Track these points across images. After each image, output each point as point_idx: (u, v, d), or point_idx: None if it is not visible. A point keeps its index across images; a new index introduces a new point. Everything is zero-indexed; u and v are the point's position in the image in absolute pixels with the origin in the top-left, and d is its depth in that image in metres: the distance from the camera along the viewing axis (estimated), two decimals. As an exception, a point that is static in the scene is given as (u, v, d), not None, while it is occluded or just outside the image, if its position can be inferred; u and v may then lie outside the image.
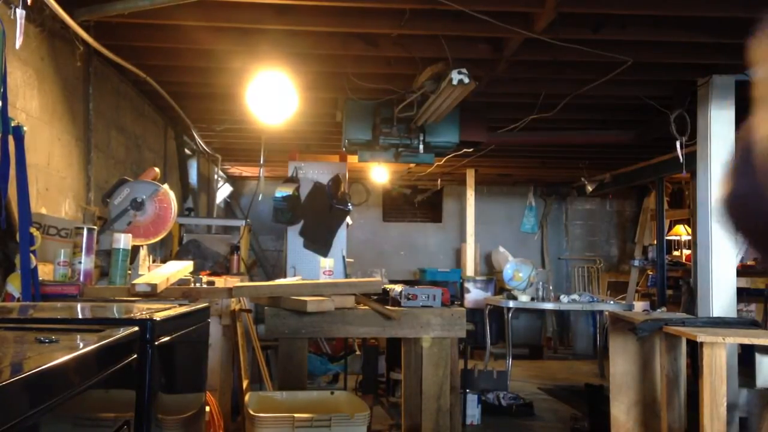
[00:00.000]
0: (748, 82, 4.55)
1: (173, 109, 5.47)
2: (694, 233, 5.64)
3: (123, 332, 1.43)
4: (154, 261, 3.72)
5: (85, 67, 4.05)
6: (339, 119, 5.54)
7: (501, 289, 8.06)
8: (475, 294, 8.73)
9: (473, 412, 5.18)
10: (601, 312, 7.07)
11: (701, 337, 3.33)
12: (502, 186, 10.50)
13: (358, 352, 6.49)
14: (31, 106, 3.32)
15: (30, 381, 0.94)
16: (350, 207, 6.77)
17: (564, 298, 6.74)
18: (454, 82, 3.85)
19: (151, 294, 2.74)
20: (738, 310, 4.67)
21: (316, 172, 6.74)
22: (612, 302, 7.12)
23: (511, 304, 6.73)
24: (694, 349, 4.06)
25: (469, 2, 3.42)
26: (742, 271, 7.24)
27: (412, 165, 7.74)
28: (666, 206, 8.24)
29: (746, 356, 4.19)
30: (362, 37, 4.20)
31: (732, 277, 4.55)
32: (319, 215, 6.64)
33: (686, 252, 8.77)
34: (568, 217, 10.65)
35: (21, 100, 3.19)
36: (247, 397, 2.95)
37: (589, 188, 8.77)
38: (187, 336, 1.95)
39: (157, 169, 3.67)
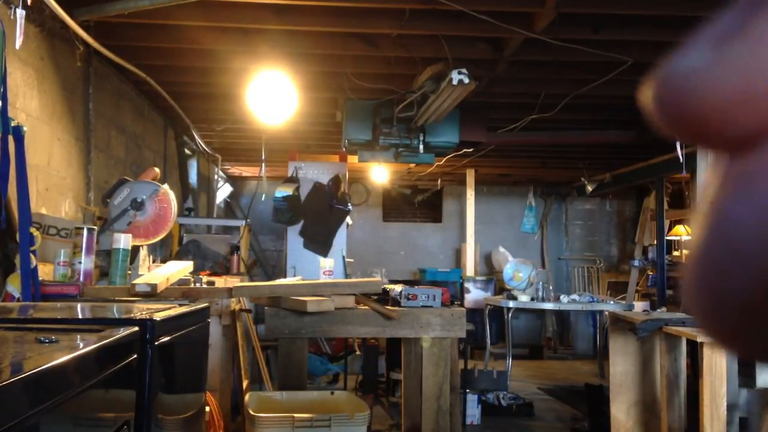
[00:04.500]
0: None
1: (173, 109, 5.47)
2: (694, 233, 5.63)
3: (123, 332, 1.43)
4: (154, 261, 3.72)
5: (85, 67, 4.05)
6: (339, 119, 5.54)
7: (501, 289, 8.05)
8: (475, 294, 8.72)
9: (473, 412, 5.18)
10: (601, 312, 7.06)
11: (701, 338, 3.33)
12: (502, 186, 10.49)
13: (358, 352, 6.49)
14: (31, 106, 3.32)
15: (30, 381, 0.94)
16: (350, 207, 6.76)
17: (564, 298, 6.74)
18: (454, 82, 3.85)
19: (151, 294, 2.74)
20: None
21: (316, 172, 6.73)
22: (612, 302, 7.11)
23: (511, 304, 6.72)
24: (694, 350, 4.05)
25: (469, 2, 3.42)
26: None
27: (412, 165, 7.74)
28: (666, 206, 8.23)
29: (746, 356, 4.18)
30: (362, 37, 4.20)
31: (732, 277, 4.54)
32: (319, 215, 6.64)
33: (686, 252, 8.76)
34: (568, 217, 10.64)
35: (21, 100, 3.19)
36: (247, 397, 2.95)
37: (589, 188, 8.77)
38: (187, 336, 1.95)
39: (157, 169, 3.67)
